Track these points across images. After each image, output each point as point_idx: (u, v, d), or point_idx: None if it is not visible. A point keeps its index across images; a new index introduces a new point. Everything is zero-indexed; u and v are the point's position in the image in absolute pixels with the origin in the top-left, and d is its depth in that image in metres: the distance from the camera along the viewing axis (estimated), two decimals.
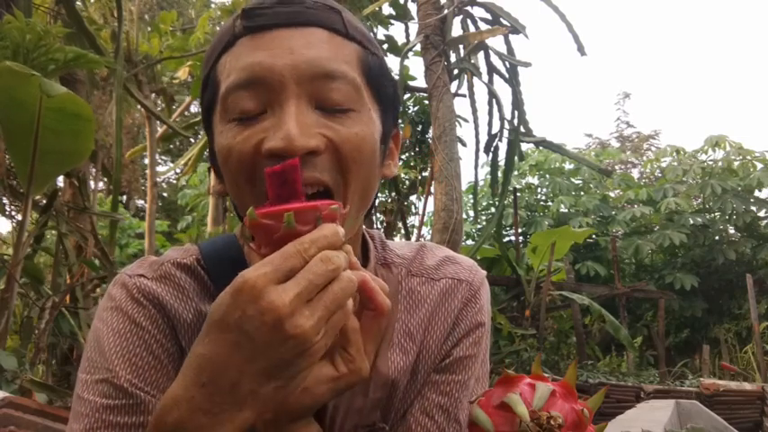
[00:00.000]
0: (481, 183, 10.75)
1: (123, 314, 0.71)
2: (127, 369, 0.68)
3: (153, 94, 7.63)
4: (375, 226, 7.49)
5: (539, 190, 13.74)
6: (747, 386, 6.16)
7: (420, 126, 7.81)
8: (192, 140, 9.58)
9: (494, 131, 6.43)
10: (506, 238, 11.41)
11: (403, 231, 8.17)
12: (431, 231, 5.85)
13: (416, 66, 28.29)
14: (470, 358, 0.80)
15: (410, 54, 6.20)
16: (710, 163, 12.50)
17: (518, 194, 10.52)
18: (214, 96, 0.70)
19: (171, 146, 13.15)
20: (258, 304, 0.52)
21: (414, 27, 6.36)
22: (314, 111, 0.66)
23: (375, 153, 0.71)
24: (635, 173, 16.24)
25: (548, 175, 13.34)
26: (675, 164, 12.83)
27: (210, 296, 0.74)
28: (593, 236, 12.21)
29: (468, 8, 6.01)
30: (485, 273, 0.87)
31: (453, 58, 5.87)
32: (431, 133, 6.00)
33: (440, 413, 0.77)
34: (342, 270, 0.56)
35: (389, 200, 8.04)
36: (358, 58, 0.70)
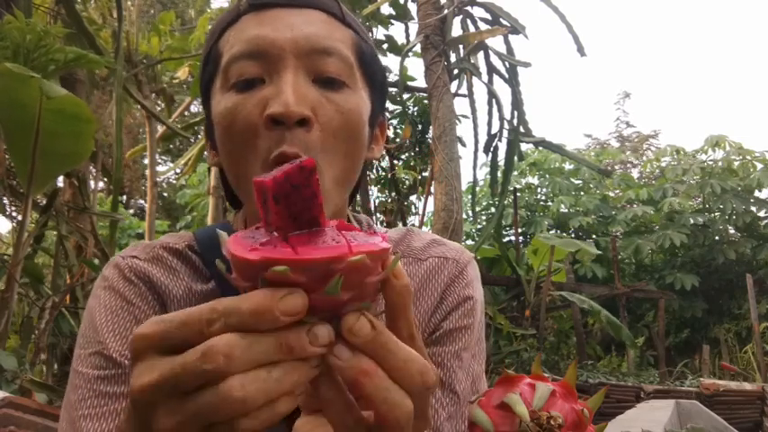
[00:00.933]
0: (481, 183, 10.76)
1: (115, 292, 0.75)
2: (117, 341, 0.72)
3: (153, 95, 7.63)
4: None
5: (539, 190, 13.75)
6: (747, 386, 6.16)
7: (420, 126, 7.81)
8: (192, 140, 9.58)
9: (493, 131, 6.44)
10: (506, 238, 11.41)
11: None
12: (431, 231, 5.85)
13: (416, 66, 28.32)
14: (461, 330, 0.79)
15: (410, 54, 6.20)
16: (710, 163, 12.50)
17: (518, 194, 10.53)
18: (215, 69, 0.74)
19: (171, 146, 13.15)
20: (131, 369, 0.40)
21: (414, 27, 6.37)
22: (310, 83, 0.70)
23: (364, 131, 0.74)
24: (634, 173, 16.24)
25: (547, 175, 13.34)
26: (675, 164, 12.84)
27: (203, 278, 0.78)
28: (593, 236, 12.21)
29: (468, 8, 6.01)
30: (473, 255, 0.87)
31: (453, 58, 5.87)
32: (431, 133, 6.00)
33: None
34: (231, 373, 0.36)
35: (389, 200, 8.04)
36: (352, 41, 0.75)
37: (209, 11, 8.40)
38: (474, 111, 6.33)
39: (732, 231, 12.29)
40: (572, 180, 13.37)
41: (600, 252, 8.13)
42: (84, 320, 0.76)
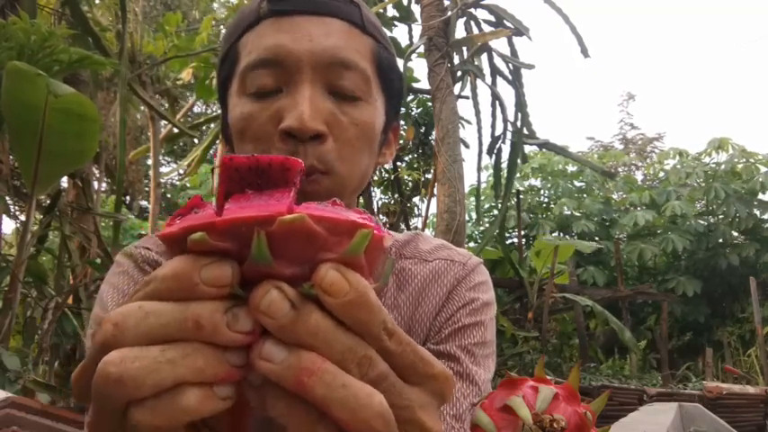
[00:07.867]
0: (484, 185, 10.74)
1: (128, 277, 0.77)
2: None
3: (156, 96, 7.65)
4: None
5: (541, 192, 13.71)
6: (751, 389, 6.13)
7: (423, 128, 7.80)
8: (196, 141, 9.60)
9: (497, 133, 6.43)
10: (509, 241, 11.39)
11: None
12: (434, 233, 5.84)
13: (420, 67, 28.31)
14: (469, 327, 0.79)
15: (413, 56, 6.20)
16: (714, 166, 12.46)
17: (521, 196, 10.51)
18: (232, 70, 0.75)
19: (174, 147, 13.17)
20: None
21: (417, 29, 6.37)
22: (326, 95, 0.70)
23: (376, 141, 0.76)
24: (638, 175, 16.19)
25: (550, 177, 13.31)
26: (679, 167, 12.80)
27: None
28: (596, 238, 12.18)
29: (472, 10, 6.01)
30: (481, 260, 0.87)
31: (457, 59, 5.87)
32: (434, 135, 6.00)
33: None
34: (119, 347, 0.31)
35: (392, 201, 8.04)
36: (371, 51, 0.75)
37: (213, 13, 8.41)
38: (477, 113, 6.33)
39: (735, 234, 12.24)
40: (575, 183, 13.33)
41: (597, 245, 8.10)
42: (95, 305, 0.78)
